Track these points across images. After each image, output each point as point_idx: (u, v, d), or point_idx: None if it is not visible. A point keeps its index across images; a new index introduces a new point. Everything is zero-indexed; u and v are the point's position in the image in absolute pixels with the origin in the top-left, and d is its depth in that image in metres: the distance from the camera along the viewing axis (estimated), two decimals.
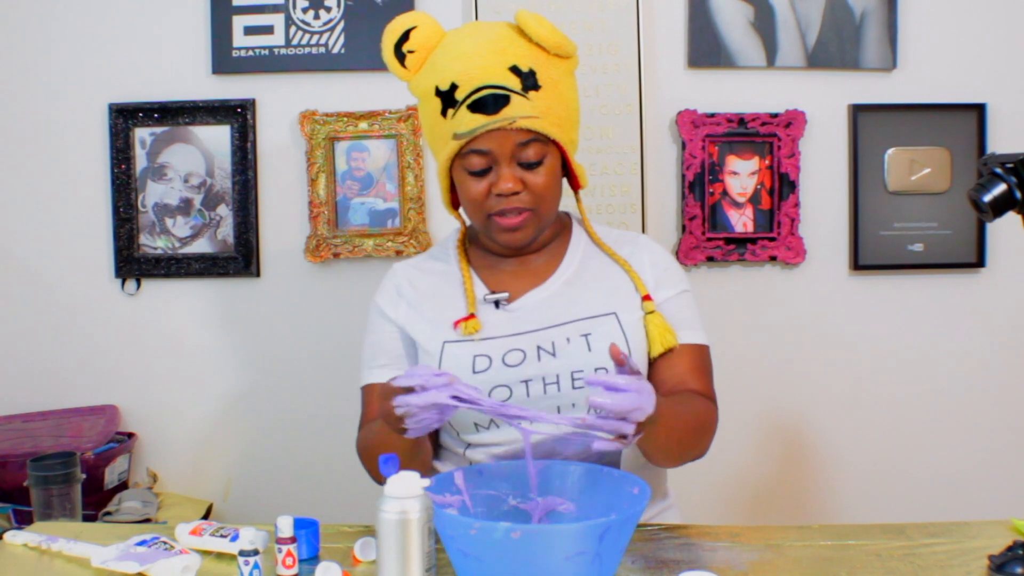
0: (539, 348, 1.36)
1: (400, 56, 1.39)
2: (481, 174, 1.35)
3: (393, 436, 1.23)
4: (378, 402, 1.26)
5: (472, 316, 1.38)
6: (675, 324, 1.41)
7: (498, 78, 1.31)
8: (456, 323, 1.38)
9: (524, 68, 1.32)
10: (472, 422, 1.37)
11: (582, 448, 1.35)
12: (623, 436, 1.15)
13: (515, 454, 1.36)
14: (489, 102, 1.31)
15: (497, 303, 1.41)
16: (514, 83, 1.31)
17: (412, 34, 1.37)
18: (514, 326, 1.38)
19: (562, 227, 1.49)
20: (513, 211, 1.36)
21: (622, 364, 1.18)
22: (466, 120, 1.32)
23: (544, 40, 1.33)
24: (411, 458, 1.28)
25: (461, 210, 1.46)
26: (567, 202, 1.46)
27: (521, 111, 1.31)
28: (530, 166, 1.35)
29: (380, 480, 1.31)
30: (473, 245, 1.49)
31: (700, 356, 1.43)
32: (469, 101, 1.31)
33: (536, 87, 1.33)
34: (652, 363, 1.41)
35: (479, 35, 1.35)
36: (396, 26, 1.39)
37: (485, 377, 1.35)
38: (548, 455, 1.33)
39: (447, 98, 1.33)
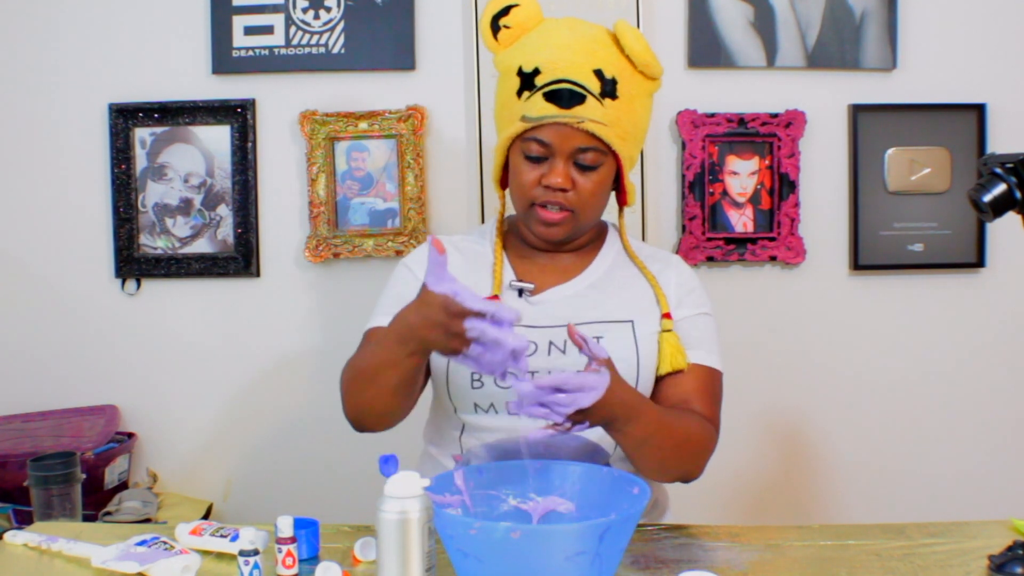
0: (551, 343, 1.37)
1: (495, 28, 1.41)
2: (536, 161, 1.37)
3: (394, 356, 1.22)
4: (431, 310, 1.15)
5: (496, 296, 1.39)
6: (689, 343, 1.41)
7: (580, 76, 1.33)
8: None
9: (608, 75, 1.34)
10: (472, 402, 1.38)
11: (580, 444, 1.35)
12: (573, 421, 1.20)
13: (507, 442, 1.36)
14: (565, 96, 1.33)
15: (521, 292, 1.42)
16: (594, 85, 1.33)
17: (513, 11, 1.40)
18: (532, 318, 1.39)
19: (599, 232, 1.51)
20: (555, 206, 1.37)
21: (581, 347, 1.22)
22: (538, 106, 1.34)
23: (635, 54, 1.35)
24: (406, 386, 1.28)
25: (507, 193, 1.48)
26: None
27: (592, 114, 1.33)
28: (584, 169, 1.36)
29: (355, 410, 1.34)
30: (511, 233, 1.51)
31: (709, 379, 1.43)
32: (546, 89, 1.34)
33: (613, 96, 1.34)
34: (659, 380, 1.41)
35: (575, 30, 1.38)
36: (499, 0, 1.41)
37: None
38: (545, 450, 1.33)
39: (527, 80, 1.35)
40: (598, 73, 1.34)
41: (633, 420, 1.25)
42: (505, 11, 1.40)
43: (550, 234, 1.40)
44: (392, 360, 1.24)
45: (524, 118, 1.35)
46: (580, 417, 1.20)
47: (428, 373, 1.45)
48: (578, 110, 1.33)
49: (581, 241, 1.47)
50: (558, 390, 1.17)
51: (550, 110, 1.33)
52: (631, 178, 1.45)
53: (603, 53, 1.35)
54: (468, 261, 1.47)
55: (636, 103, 1.38)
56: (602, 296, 1.43)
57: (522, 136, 1.37)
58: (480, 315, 1.12)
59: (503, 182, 1.47)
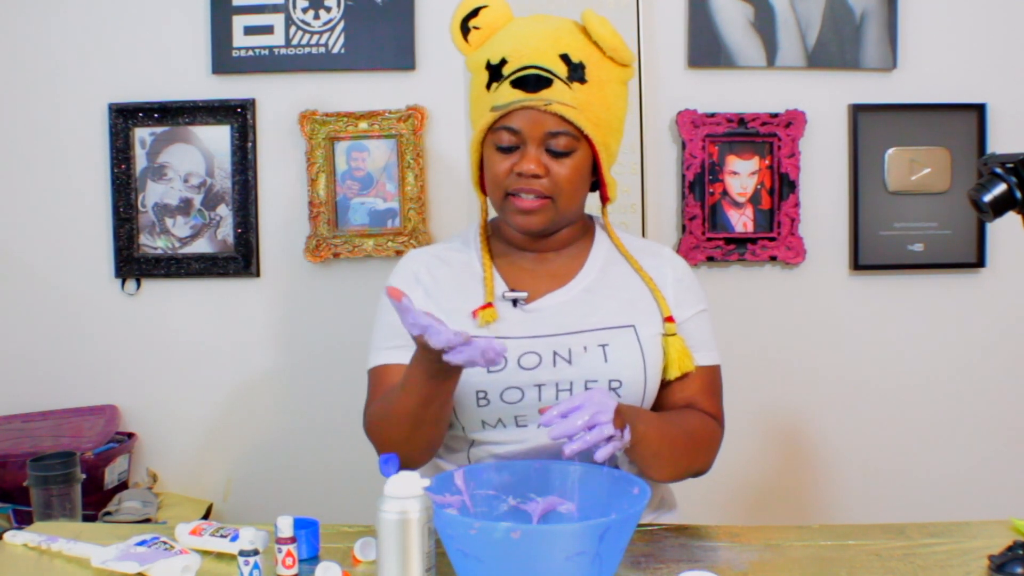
0: (555, 354, 1.35)
1: (464, 30, 1.41)
2: (508, 151, 1.35)
3: (412, 390, 1.24)
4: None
5: (490, 305, 1.37)
6: (691, 346, 1.41)
7: (546, 61, 1.33)
8: (475, 312, 1.37)
9: (575, 59, 1.33)
10: (480, 419, 1.37)
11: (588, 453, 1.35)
12: (610, 438, 1.18)
13: (517, 455, 1.36)
14: (531, 81, 1.32)
15: (515, 301, 1.40)
16: (560, 69, 1.33)
17: (482, 12, 1.40)
18: (531, 328, 1.38)
19: (585, 230, 1.48)
20: (530, 194, 1.35)
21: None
22: (505, 94, 1.33)
23: (601, 39, 1.34)
24: (436, 411, 1.28)
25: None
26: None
27: (560, 97, 1.32)
28: (557, 155, 1.34)
29: (406, 456, 1.30)
30: (495, 238, 1.48)
31: (711, 377, 1.43)
32: (513, 77, 1.33)
33: (582, 80, 1.33)
34: (665, 383, 1.41)
35: (541, 22, 1.38)
36: (468, 1, 1.41)
37: (499, 377, 1.34)
38: (554, 458, 1.32)
39: (494, 72, 1.35)
40: (564, 58, 1.33)
41: (641, 443, 1.25)
42: (474, 13, 1.40)
43: (528, 224, 1.37)
44: (428, 395, 1.25)
45: (493, 108, 1.35)
46: (620, 422, 1.20)
47: None
48: (545, 93, 1.32)
49: (566, 238, 1.44)
50: (572, 411, 1.18)
51: (516, 95, 1.32)
52: (614, 175, 1.43)
53: (568, 39, 1.34)
54: (456, 272, 1.45)
55: (607, 89, 1.36)
56: (600, 300, 1.41)
57: (493, 127, 1.36)
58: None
59: (483, 184, 1.44)
